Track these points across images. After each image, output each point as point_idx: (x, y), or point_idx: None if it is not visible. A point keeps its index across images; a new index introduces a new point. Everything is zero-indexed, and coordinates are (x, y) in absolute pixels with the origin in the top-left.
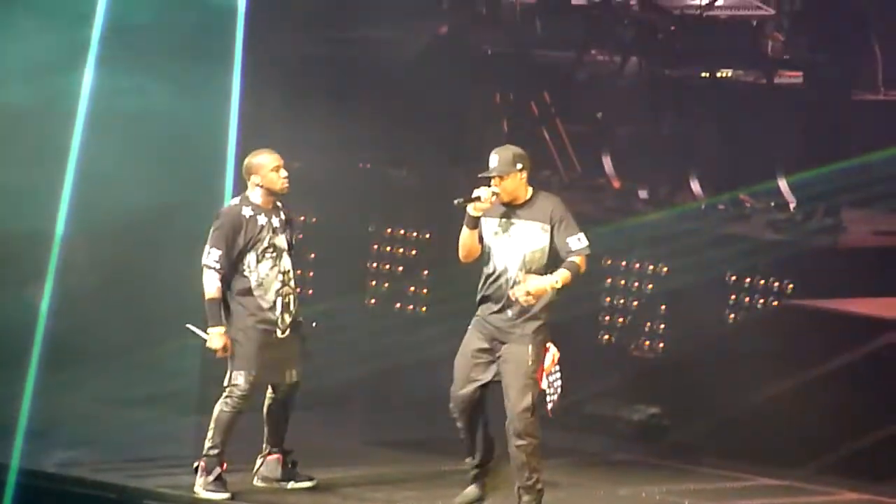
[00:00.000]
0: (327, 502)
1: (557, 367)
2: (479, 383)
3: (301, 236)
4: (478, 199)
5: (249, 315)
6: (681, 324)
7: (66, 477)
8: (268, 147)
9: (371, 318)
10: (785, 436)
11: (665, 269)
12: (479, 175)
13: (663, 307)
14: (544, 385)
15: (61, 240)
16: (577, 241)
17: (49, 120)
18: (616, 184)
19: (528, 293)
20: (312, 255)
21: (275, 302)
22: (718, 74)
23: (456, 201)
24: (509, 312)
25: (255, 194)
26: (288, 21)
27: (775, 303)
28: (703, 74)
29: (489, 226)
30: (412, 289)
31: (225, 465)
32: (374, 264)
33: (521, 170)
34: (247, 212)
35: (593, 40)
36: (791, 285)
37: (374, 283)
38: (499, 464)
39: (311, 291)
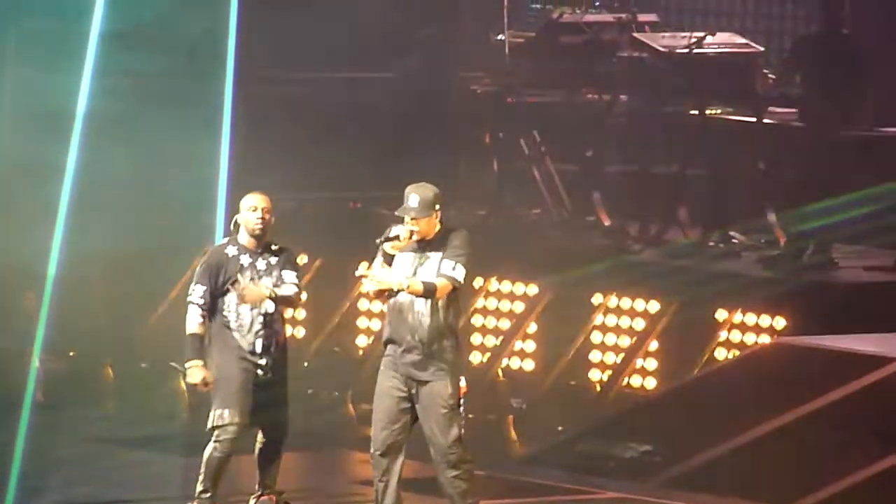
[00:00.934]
0: None
1: (463, 399)
2: (400, 424)
3: (289, 275)
4: (396, 237)
5: (230, 354)
6: (672, 361)
7: None
8: (260, 187)
9: (363, 358)
10: (778, 472)
11: (656, 306)
12: (396, 212)
13: (654, 344)
14: None
15: (53, 281)
16: (451, 268)
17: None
18: (606, 221)
19: (373, 279)
20: (304, 295)
21: (254, 343)
22: (708, 112)
23: (378, 240)
24: (419, 347)
25: (242, 234)
26: (276, 61)
27: (766, 340)
28: (693, 112)
29: (401, 261)
30: None
31: None
32: (367, 305)
33: (437, 210)
34: (231, 251)
35: (583, 79)
36: (782, 322)
37: (366, 323)
38: None
39: (303, 332)
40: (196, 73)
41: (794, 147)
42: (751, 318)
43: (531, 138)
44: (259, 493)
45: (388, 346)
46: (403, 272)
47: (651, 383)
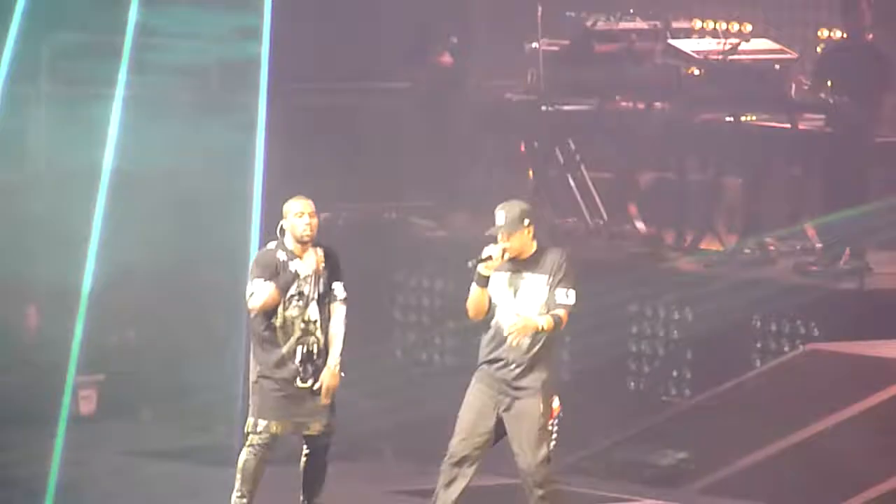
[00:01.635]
0: None
1: (557, 419)
2: (483, 438)
3: (337, 287)
4: (489, 258)
5: (269, 361)
6: (707, 369)
7: None
8: (299, 194)
9: (397, 368)
10: (813, 479)
11: (691, 314)
12: (487, 233)
13: (690, 353)
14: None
15: (89, 294)
16: (565, 296)
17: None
18: (641, 230)
19: (517, 326)
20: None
21: (295, 350)
22: (742, 119)
23: (469, 263)
24: (515, 368)
25: (288, 239)
26: (310, 72)
27: (802, 347)
28: (728, 119)
29: (497, 281)
30: (438, 339)
31: None
32: (401, 314)
33: (528, 225)
34: (281, 256)
35: (617, 87)
36: (817, 329)
37: (400, 333)
38: None
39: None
40: (229, 80)
41: (829, 153)
42: (786, 326)
43: (566, 147)
44: None
45: (484, 364)
46: (502, 295)
47: (687, 392)
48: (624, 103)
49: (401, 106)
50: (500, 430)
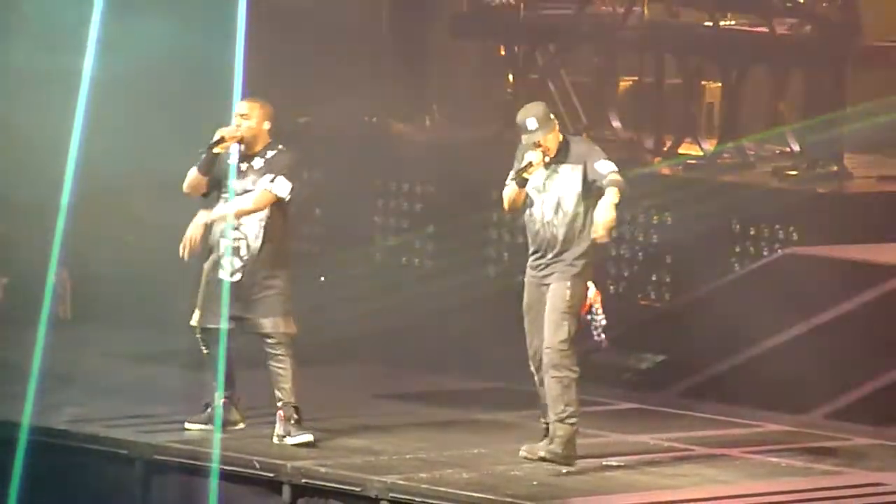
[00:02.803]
0: (335, 453)
1: (598, 305)
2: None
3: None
4: (529, 164)
5: (207, 256)
6: (686, 273)
7: (77, 433)
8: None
9: (377, 272)
10: (791, 382)
11: (670, 219)
12: (525, 141)
13: (669, 257)
14: (590, 318)
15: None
16: (607, 165)
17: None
18: (621, 135)
19: (605, 227)
20: (317, 211)
21: (218, 243)
22: (721, 23)
23: (515, 177)
24: (549, 254)
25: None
26: None
27: (780, 251)
28: (707, 23)
29: (534, 181)
30: (418, 243)
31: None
32: (380, 219)
33: (554, 121)
34: (231, 151)
35: None
36: (796, 233)
37: (380, 237)
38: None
39: (317, 247)
40: None
41: (808, 57)
42: (764, 230)
43: (545, 51)
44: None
45: (529, 259)
46: (536, 190)
47: (666, 296)
48: (603, 7)
49: (379, 10)
50: None
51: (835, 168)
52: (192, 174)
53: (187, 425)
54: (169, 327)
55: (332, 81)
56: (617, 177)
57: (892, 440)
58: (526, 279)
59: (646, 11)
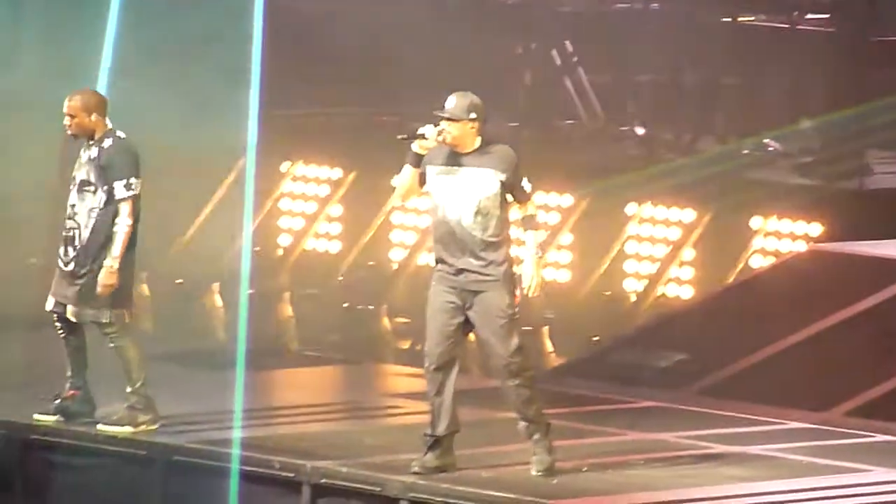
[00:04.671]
0: (355, 452)
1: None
2: (454, 339)
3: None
4: (422, 136)
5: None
6: (707, 270)
7: (97, 434)
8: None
9: (397, 272)
10: (812, 379)
11: (691, 215)
12: (433, 113)
13: (689, 253)
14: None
15: None
16: (528, 184)
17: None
18: (640, 131)
19: (537, 282)
20: (341, 209)
21: (60, 233)
22: (741, 19)
23: (399, 136)
24: (472, 261)
25: None
26: None
27: (801, 247)
28: (726, 19)
29: (433, 173)
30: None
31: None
32: (401, 219)
33: (472, 119)
34: (82, 144)
35: None
36: (817, 229)
37: (399, 236)
38: (451, 446)
39: (338, 246)
40: None
41: (828, 53)
42: (785, 226)
43: (563, 48)
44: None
45: (440, 263)
46: (443, 190)
47: (686, 292)
48: (621, 4)
49: (397, 9)
50: (468, 327)
51: (856, 163)
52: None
53: (36, 416)
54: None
55: (352, 79)
56: (535, 211)
57: None
58: (438, 281)
59: (664, 8)
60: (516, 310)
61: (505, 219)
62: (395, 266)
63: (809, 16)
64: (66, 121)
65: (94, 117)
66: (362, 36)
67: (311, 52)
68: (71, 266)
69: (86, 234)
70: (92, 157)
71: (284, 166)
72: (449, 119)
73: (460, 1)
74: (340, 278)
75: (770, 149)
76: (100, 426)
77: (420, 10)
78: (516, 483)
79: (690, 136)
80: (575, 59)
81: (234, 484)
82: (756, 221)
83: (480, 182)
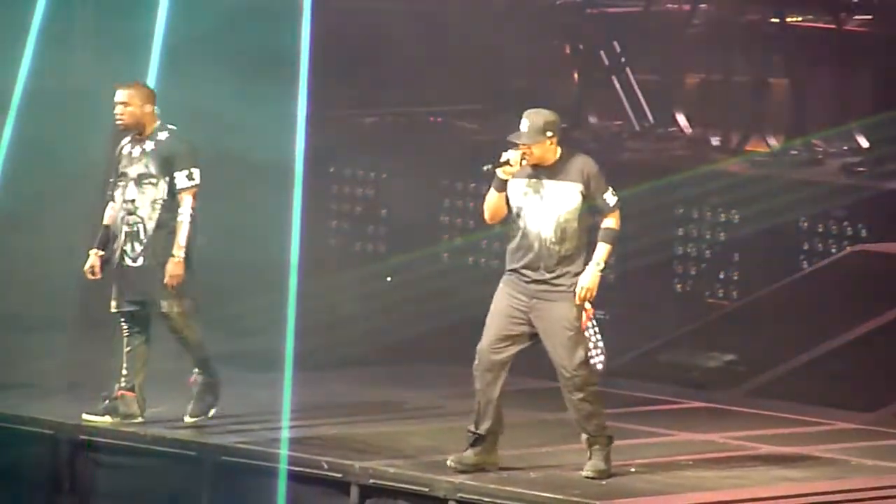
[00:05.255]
0: (403, 453)
1: (593, 322)
2: (511, 343)
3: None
4: (507, 163)
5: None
6: (755, 270)
7: (145, 435)
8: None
9: (444, 272)
10: (860, 380)
11: (738, 216)
12: (509, 138)
13: (737, 255)
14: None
15: None
16: (611, 200)
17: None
18: (688, 132)
19: (587, 290)
20: (384, 211)
21: (121, 230)
22: (788, 20)
23: (485, 167)
24: (545, 273)
25: None
26: None
27: (849, 247)
28: (773, 20)
29: (517, 187)
30: (485, 242)
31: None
32: (447, 218)
33: (550, 137)
34: (125, 141)
35: None
36: (865, 229)
37: (446, 237)
38: (496, 443)
39: (382, 247)
40: None
41: (875, 53)
42: (832, 227)
43: (611, 49)
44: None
45: (513, 273)
46: (526, 202)
47: (734, 293)
48: (669, 4)
49: (445, 9)
50: (531, 336)
51: None
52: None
53: (85, 416)
54: (236, 329)
55: (398, 80)
56: (614, 225)
57: None
58: (507, 284)
59: (712, 8)
60: (588, 323)
61: (583, 230)
62: (442, 266)
63: (856, 16)
64: (119, 110)
65: (147, 108)
66: (410, 36)
67: (358, 53)
68: (139, 261)
69: (151, 226)
70: (148, 149)
71: (332, 167)
72: (526, 144)
73: (507, 2)
74: (388, 279)
75: (817, 149)
76: (187, 418)
77: (467, 10)
78: (565, 484)
79: (739, 137)
80: (623, 59)
81: (282, 484)
82: (803, 222)
83: (562, 196)
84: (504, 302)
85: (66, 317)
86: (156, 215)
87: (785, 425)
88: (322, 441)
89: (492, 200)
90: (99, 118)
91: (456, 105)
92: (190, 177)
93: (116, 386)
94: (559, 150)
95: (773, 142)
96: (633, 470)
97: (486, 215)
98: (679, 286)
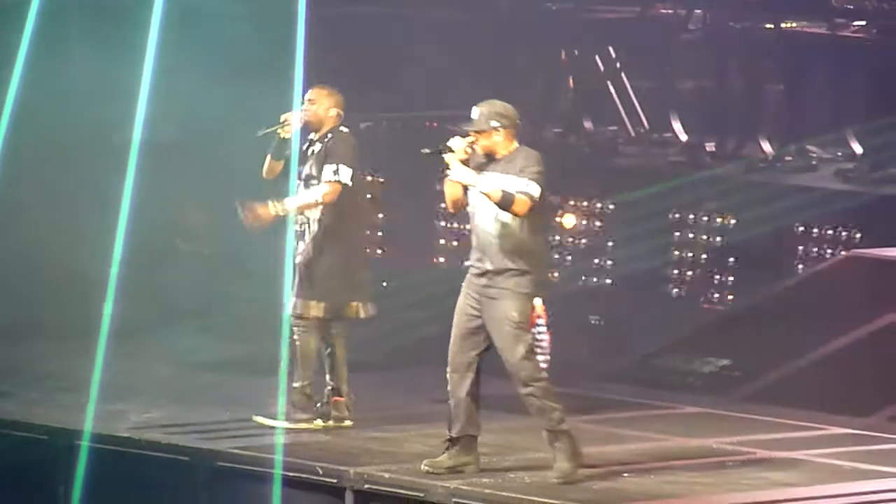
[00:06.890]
0: (399, 458)
1: (541, 322)
2: (472, 341)
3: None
4: (449, 149)
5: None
6: (750, 275)
7: (139, 440)
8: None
9: (440, 277)
10: (855, 385)
11: (733, 221)
12: (460, 126)
13: (732, 259)
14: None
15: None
16: (525, 185)
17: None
18: (683, 137)
19: (454, 173)
20: (381, 216)
21: (299, 229)
22: (783, 26)
23: (423, 151)
24: (489, 265)
25: None
26: None
27: (843, 252)
28: (768, 26)
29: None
30: None
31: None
32: (443, 223)
33: (496, 128)
34: (308, 141)
35: None
36: (859, 234)
37: (442, 241)
38: (473, 445)
39: (379, 251)
40: None
41: (870, 59)
42: (827, 232)
43: (607, 54)
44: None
45: (470, 268)
46: (476, 198)
47: (729, 298)
48: (664, 10)
49: (441, 14)
50: (488, 332)
51: None
52: None
53: (256, 418)
54: (229, 334)
55: (395, 84)
56: (521, 197)
57: None
58: (465, 284)
59: (707, 14)
60: (538, 321)
61: (531, 230)
62: (438, 271)
63: (850, 22)
64: (304, 106)
65: (332, 112)
66: (404, 41)
67: (352, 57)
68: (298, 258)
69: (315, 227)
70: (316, 151)
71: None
72: (475, 131)
73: (504, 7)
74: (384, 284)
75: (812, 155)
76: (256, 417)
77: (463, 15)
78: (560, 489)
79: (734, 143)
80: (618, 65)
81: (276, 489)
82: (798, 227)
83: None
84: (462, 300)
85: (63, 324)
86: (317, 215)
87: (779, 430)
88: (317, 446)
89: (445, 189)
90: (94, 123)
91: (451, 110)
92: (335, 171)
93: (327, 391)
94: (514, 144)
95: (767, 147)
96: (627, 475)
97: (447, 204)
98: (674, 290)
